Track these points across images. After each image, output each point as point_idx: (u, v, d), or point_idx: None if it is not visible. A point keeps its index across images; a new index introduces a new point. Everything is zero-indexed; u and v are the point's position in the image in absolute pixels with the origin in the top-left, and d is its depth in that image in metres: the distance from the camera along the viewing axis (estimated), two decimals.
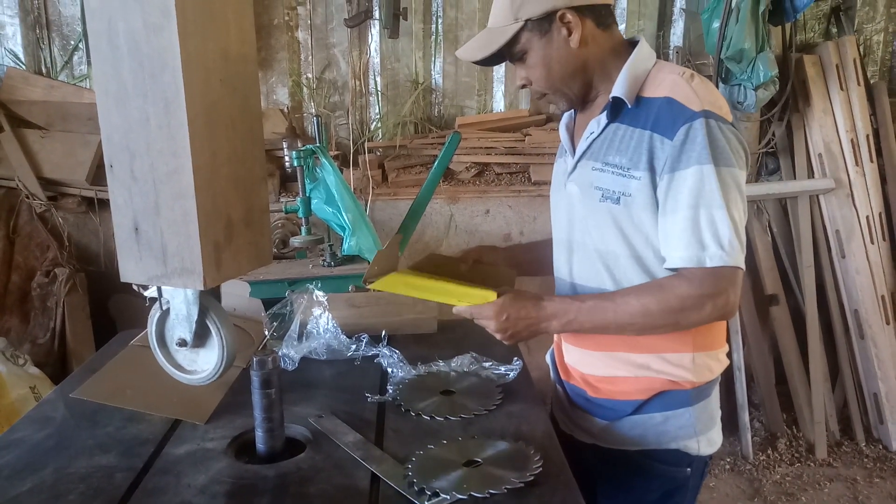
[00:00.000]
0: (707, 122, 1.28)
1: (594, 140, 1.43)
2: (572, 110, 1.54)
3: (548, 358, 1.73)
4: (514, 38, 1.37)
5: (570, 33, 1.37)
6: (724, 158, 1.27)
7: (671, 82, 1.35)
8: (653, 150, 1.31)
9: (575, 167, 1.47)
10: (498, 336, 1.40)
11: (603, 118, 1.41)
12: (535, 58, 1.39)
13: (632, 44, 1.43)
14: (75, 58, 3.47)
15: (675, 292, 1.30)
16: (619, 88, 1.37)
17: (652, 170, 1.32)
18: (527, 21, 1.35)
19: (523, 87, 1.46)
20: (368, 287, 1.48)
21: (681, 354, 1.43)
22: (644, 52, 1.41)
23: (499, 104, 3.82)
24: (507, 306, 1.36)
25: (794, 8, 3.19)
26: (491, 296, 1.38)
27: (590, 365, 1.52)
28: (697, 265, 1.28)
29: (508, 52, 1.40)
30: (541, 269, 1.69)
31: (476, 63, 1.47)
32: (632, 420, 1.48)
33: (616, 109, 1.39)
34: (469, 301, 1.40)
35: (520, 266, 1.72)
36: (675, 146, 1.29)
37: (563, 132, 1.55)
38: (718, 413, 1.53)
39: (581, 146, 1.45)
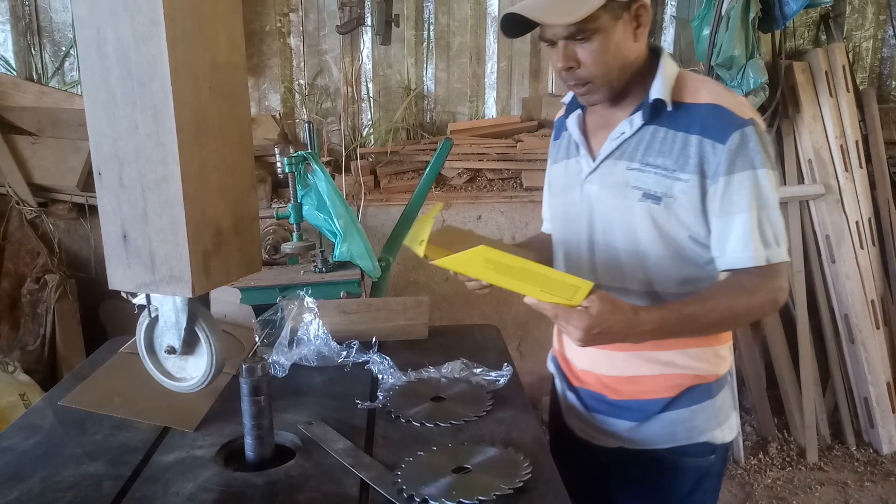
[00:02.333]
0: (756, 129, 1.34)
1: (626, 140, 1.42)
2: (580, 111, 1.53)
3: (551, 366, 1.71)
4: (593, 14, 1.29)
5: (638, 25, 1.36)
6: (771, 163, 1.35)
7: (711, 90, 1.39)
8: (703, 153, 1.34)
9: (597, 167, 1.46)
10: (574, 340, 1.29)
11: (636, 119, 1.40)
12: (602, 41, 1.33)
13: (652, 49, 1.45)
14: (66, 64, 3.47)
15: (758, 288, 1.35)
16: (658, 91, 1.38)
17: (701, 173, 1.34)
18: (609, 0, 1.30)
19: (569, 69, 1.37)
20: (432, 262, 1.28)
21: (703, 349, 1.46)
22: (670, 61, 1.43)
23: (490, 110, 3.83)
24: (601, 319, 1.22)
25: (784, 15, 3.21)
26: (585, 286, 1.21)
27: (609, 366, 1.50)
28: (766, 263, 1.35)
29: (577, 27, 1.31)
30: None
31: (508, 34, 1.38)
32: (661, 419, 1.48)
33: (655, 111, 1.39)
34: (559, 293, 1.22)
35: None
36: (729, 150, 1.32)
37: (575, 131, 1.52)
38: (733, 399, 1.57)
39: (608, 146, 1.44)
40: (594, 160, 1.47)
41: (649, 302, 1.43)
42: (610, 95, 1.41)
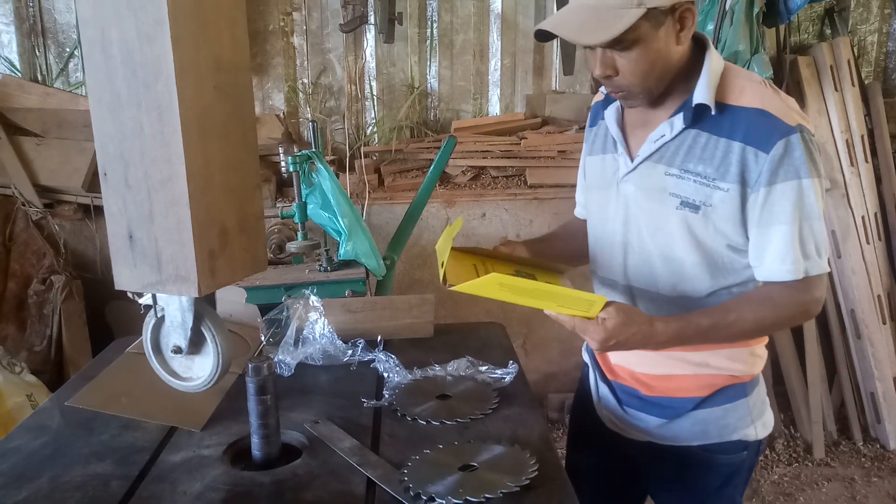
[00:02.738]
0: (802, 137, 1.28)
1: (665, 144, 1.37)
2: (618, 105, 1.46)
3: (586, 356, 1.69)
4: (633, 25, 1.22)
5: (681, 29, 1.29)
6: (817, 170, 1.30)
7: (758, 93, 1.32)
8: (745, 162, 1.29)
9: (634, 168, 1.42)
10: (595, 350, 1.34)
11: (677, 122, 1.35)
12: (643, 50, 1.26)
13: (696, 40, 1.37)
14: (71, 65, 3.48)
15: (789, 302, 1.33)
16: (701, 94, 1.31)
17: (743, 182, 1.30)
18: (650, 9, 1.22)
19: (607, 77, 1.31)
20: (451, 289, 1.28)
21: (739, 349, 1.44)
22: (715, 55, 1.35)
23: (494, 108, 3.82)
24: (617, 332, 1.25)
25: (788, 10, 3.19)
26: (600, 301, 1.25)
27: (641, 364, 1.50)
28: (804, 275, 1.32)
29: (617, 39, 1.24)
30: (558, 263, 1.67)
31: (540, 39, 1.32)
32: (692, 416, 1.47)
33: (697, 115, 1.33)
34: (575, 307, 1.26)
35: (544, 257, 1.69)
36: (772, 160, 1.27)
37: (613, 128, 1.46)
38: (767, 396, 1.55)
39: (647, 148, 1.39)
40: (632, 160, 1.42)
41: (683, 304, 1.41)
42: (649, 101, 1.36)
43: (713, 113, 1.32)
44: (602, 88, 1.52)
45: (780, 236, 1.30)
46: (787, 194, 1.28)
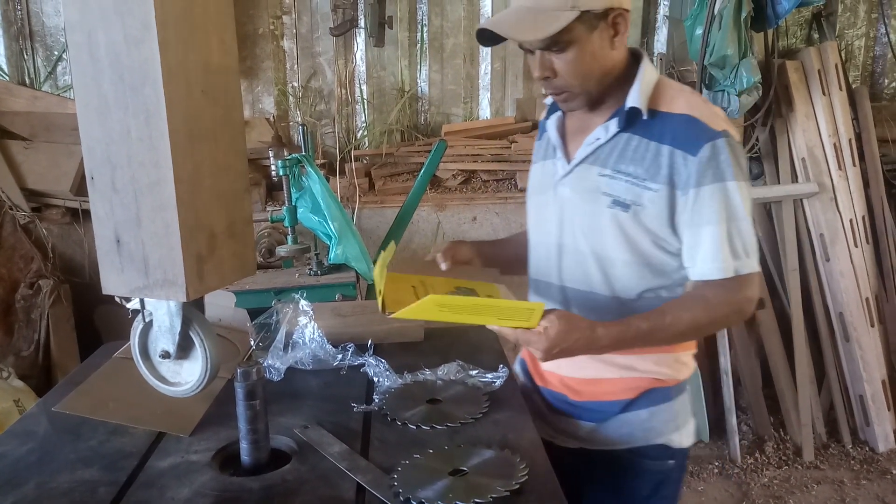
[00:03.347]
0: (728, 142, 1.35)
1: (600, 146, 1.43)
2: (560, 113, 1.54)
3: (517, 367, 1.73)
4: (567, 26, 1.29)
5: (616, 34, 1.36)
6: (742, 174, 1.36)
7: (687, 101, 1.39)
8: (674, 164, 1.35)
9: (570, 171, 1.47)
10: (538, 359, 1.38)
11: (612, 125, 1.41)
12: (578, 52, 1.33)
13: (632, 53, 1.45)
14: (59, 68, 3.46)
15: (721, 302, 1.37)
16: (634, 99, 1.38)
17: (671, 184, 1.36)
18: (583, 12, 1.29)
19: (546, 78, 1.38)
20: (391, 316, 1.32)
21: (664, 354, 1.49)
22: (649, 66, 1.43)
23: (485, 112, 3.83)
24: (560, 339, 1.28)
25: (776, 14, 3.21)
26: (539, 308, 1.27)
27: (571, 368, 1.53)
28: (734, 274, 1.36)
29: (552, 40, 1.31)
30: (510, 267, 1.70)
31: (483, 42, 1.38)
32: (619, 419, 1.52)
33: (630, 119, 1.39)
34: (516, 318, 1.29)
35: (490, 260, 1.74)
36: (700, 162, 1.33)
37: (553, 134, 1.53)
38: (691, 407, 1.61)
39: (582, 151, 1.45)
40: (569, 163, 1.48)
41: (614, 307, 1.45)
42: (588, 102, 1.43)
43: (645, 117, 1.38)
44: (546, 101, 1.60)
45: (710, 236, 1.35)
46: (715, 196, 1.34)
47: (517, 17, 1.33)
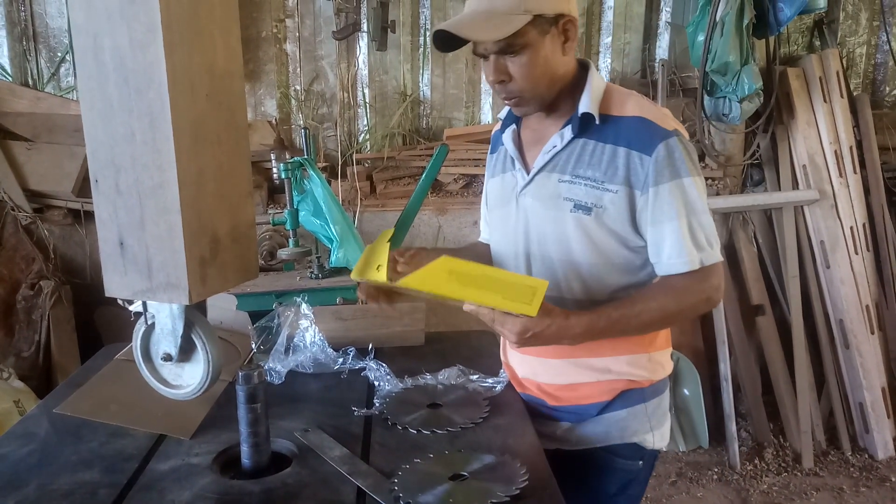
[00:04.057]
0: (680, 139, 1.39)
1: (557, 153, 1.46)
2: (515, 126, 1.57)
3: (505, 372, 1.71)
4: (521, 30, 1.33)
5: (566, 40, 1.40)
6: (696, 170, 1.41)
7: (637, 103, 1.44)
8: (630, 165, 1.39)
9: (531, 180, 1.50)
10: (510, 343, 1.37)
11: (567, 132, 1.44)
12: (531, 55, 1.37)
13: (580, 63, 1.49)
14: (62, 69, 3.47)
15: (688, 290, 1.41)
16: (585, 104, 1.42)
17: (629, 184, 1.39)
18: (536, 16, 1.34)
19: (501, 82, 1.40)
20: (397, 284, 1.29)
21: (638, 355, 1.52)
22: (597, 74, 1.48)
23: (486, 116, 3.83)
24: (533, 324, 1.28)
25: (778, 21, 3.22)
26: (541, 288, 1.27)
27: (547, 374, 1.55)
28: (700, 265, 1.40)
29: (507, 42, 1.35)
30: None
31: (440, 48, 1.42)
32: (595, 419, 1.55)
33: (584, 125, 1.43)
34: (517, 297, 1.26)
35: None
36: (655, 162, 1.37)
37: (510, 146, 1.55)
38: (668, 411, 1.62)
39: (540, 160, 1.48)
40: (528, 173, 1.51)
41: (584, 308, 1.45)
42: (541, 107, 1.46)
43: (598, 122, 1.42)
44: (500, 115, 1.63)
45: (672, 232, 1.39)
46: (673, 192, 1.38)
47: (472, 20, 1.37)
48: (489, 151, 1.71)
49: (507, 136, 1.57)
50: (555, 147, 1.46)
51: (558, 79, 1.43)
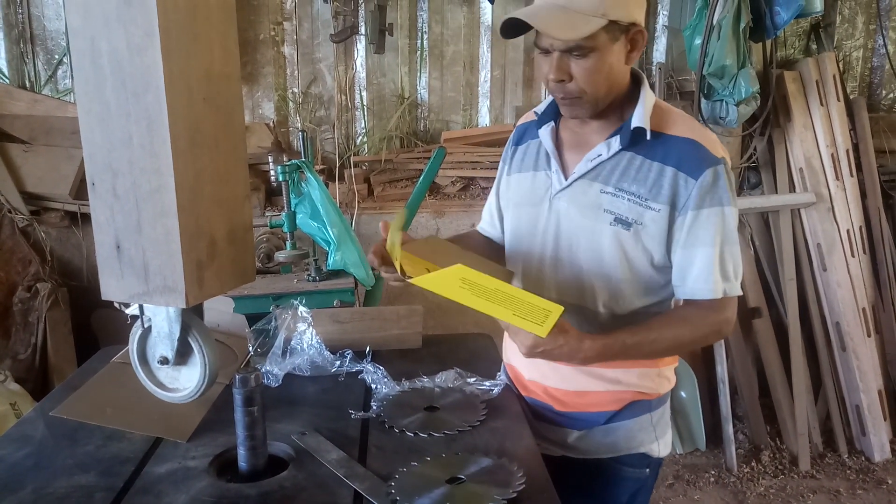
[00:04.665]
0: (726, 168, 1.39)
1: (602, 163, 1.44)
2: (553, 123, 1.53)
3: (503, 375, 1.70)
4: (594, 33, 1.30)
5: (632, 49, 1.38)
6: (734, 201, 1.41)
7: (688, 125, 1.43)
8: (676, 186, 1.38)
9: (569, 185, 1.47)
10: (520, 350, 1.35)
11: (614, 143, 1.42)
12: (597, 59, 1.34)
13: (632, 74, 1.46)
14: (59, 72, 3.46)
15: (704, 322, 1.42)
16: (639, 118, 1.40)
17: (672, 205, 1.38)
18: (611, 21, 1.30)
19: (560, 81, 1.36)
20: (411, 281, 1.28)
21: (649, 369, 1.53)
22: (649, 91, 1.45)
23: (484, 119, 3.84)
24: (547, 341, 1.27)
25: (775, 25, 3.23)
26: (556, 313, 1.24)
27: (556, 379, 1.55)
28: (724, 296, 1.41)
29: (577, 43, 1.31)
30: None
31: (505, 34, 1.38)
32: (604, 429, 1.55)
33: (634, 139, 1.41)
34: (529, 316, 1.24)
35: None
36: (701, 186, 1.36)
37: (549, 145, 1.51)
38: (670, 420, 1.64)
39: (582, 166, 1.45)
40: (566, 177, 1.48)
41: (605, 321, 1.48)
42: (594, 112, 1.42)
43: (648, 138, 1.40)
44: (536, 109, 1.59)
45: (703, 258, 1.39)
46: (712, 219, 1.37)
47: (550, 14, 1.32)
48: (511, 143, 1.66)
49: (546, 133, 1.53)
50: (600, 156, 1.44)
51: (616, 87, 1.40)
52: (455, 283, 1.24)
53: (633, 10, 1.34)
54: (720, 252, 1.39)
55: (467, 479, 1.22)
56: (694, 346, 1.52)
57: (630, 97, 1.44)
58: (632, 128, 1.40)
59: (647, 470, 1.59)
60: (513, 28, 1.36)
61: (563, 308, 1.24)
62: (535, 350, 1.30)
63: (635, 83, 1.45)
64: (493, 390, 1.60)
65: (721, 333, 1.46)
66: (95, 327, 3.33)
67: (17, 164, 3.24)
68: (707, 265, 1.38)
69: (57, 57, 3.44)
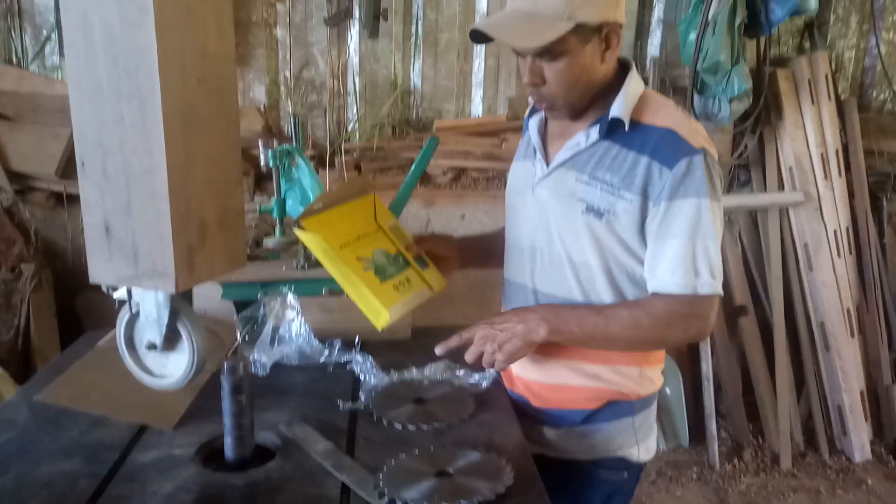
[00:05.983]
0: (705, 159, 1.35)
1: (579, 152, 1.43)
2: (542, 114, 1.53)
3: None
4: (561, 37, 1.30)
5: (607, 48, 1.37)
6: (716, 193, 1.36)
7: (670, 114, 1.40)
8: (649, 176, 1.35)
9: (549, 174, 1.47)
10: (486, 358, 1.42)
11: (593, 133, 1.42)
12: (568, 63, 1.34)
13: (621, 62, 1.45)
14: (47, 48, 3.40)
15: (666, 310, 1.38)
16: (618, 109, 1.39)
17: (644, 195, 1.36)
18: (578, 24, 1.30)
19: (534, 85, 1.38)
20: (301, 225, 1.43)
21: (630, 367, 1.50)
22: (636, 77, 1.44)
23: (477, 108, 3.82)
24: (503, 316, 1.30)
25: (770, 22, 3.23)
26: (383, 318, 1.41)
27: (537, 372, 1.54)
28: (692, 292, 1.36)
29: (545, 48, 1.32)
30: (498, 261, 1.67)
31: (476, 40, 1.38)
32: (582, 430, 1.53)
33: (612, 128, 1.40)
34: (365, 308, 1.43)
35: (475, 259, 1.75)
36: (675, 177, 1.33)
37: (534, 135, 1.53)
38: (654, 423, 1.62)
39: (561, 155, 1.46)
40: (548, 166, 1.48)
41: None
42: (571, 114, 1.44)
43: (626, 129, 1.39)
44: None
45: (673, 250, 1.35)
46: (685, 211, 1.34)
47: (513, 22, 1.33)
48: (522, 134, 1.66)
49: (534, 124, 1.54)
50: (578, 145, 1.43)
51: (594, 86, 1.40)
52: (318, 248, 1.42)
53: (604, 9, 1.32)
54: (692, 245, 1.34)
55: (455, 473, 1.21)
56: (663, 342, 1.47)
57: (616, 87, 1.42)
58: (609, 118, 1.39)
59: (626, 473, 1.57)
60: (482, 34, 1.35)
61: (388, 317, 1.41)
62: (481, 334, 1.40)
63: (625, 71, 1.44)
64: (482, 383, 1.58)
65: (691, 331, 1.41)
66: (80, 310, 3.29)
67: (2, 142, 3.18)
68: (675, 258, 1.35)
69: (45, 33, 3.38)
